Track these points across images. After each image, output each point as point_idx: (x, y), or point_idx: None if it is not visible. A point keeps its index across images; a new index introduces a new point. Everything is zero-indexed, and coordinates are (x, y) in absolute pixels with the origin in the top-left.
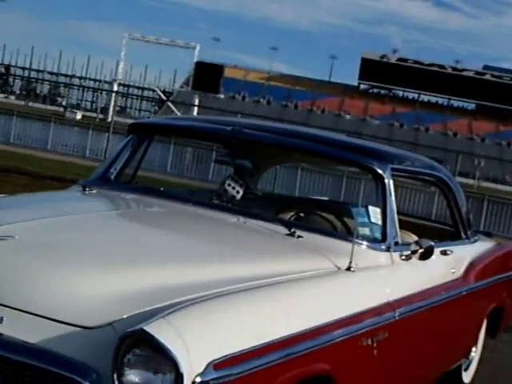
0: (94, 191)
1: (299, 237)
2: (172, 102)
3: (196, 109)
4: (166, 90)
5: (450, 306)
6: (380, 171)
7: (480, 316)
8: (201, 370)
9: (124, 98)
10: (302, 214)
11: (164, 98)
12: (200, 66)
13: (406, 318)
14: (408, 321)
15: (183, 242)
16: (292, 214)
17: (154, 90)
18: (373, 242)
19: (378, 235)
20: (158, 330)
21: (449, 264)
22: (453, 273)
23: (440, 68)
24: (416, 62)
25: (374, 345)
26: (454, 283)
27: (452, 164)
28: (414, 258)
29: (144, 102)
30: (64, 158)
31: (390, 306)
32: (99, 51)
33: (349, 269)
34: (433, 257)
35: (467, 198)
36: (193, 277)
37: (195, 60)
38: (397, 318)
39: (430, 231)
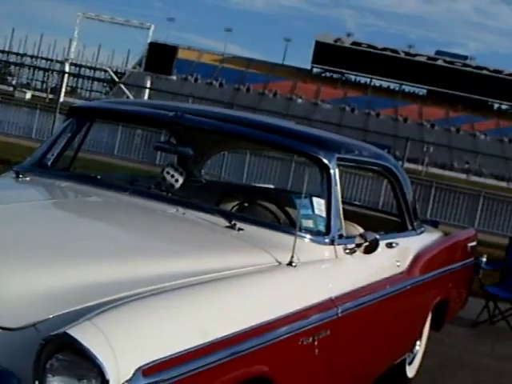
0: (28, 178)
1: (240, 229)
2: (124, 83)
3: (147, 91)
4: (119, 70)
5: (394, 301)
6: (325, 161)
7: (425, 310)
8: (129, 376)
9: (75, 79)
10: (245, 204)
11: (116, 79)
12: (153, 47)
13: (349, 314)
14: (351, 317)
15: (116, 235)
16: (234, 203)
17: (105, 71)
18: (316, 235)
19: (322, 228)
20: (83, 333)
21: (394, 257)
22: (398, 266)
23: (393, 52)
24: (369, 46)
25: (316, 343)
26: (398, 277)
27: (401, 150)
28: (359, 252)
29: (96, 82)
30: (11, 140)
31: (333, 302)
32: (53, 30)
33: (290, 264)
34: (378, 250)
35: (415, 184)
36: (126, 273)
37: (149, 41)
38: (339, 315)
39: (376, 222)
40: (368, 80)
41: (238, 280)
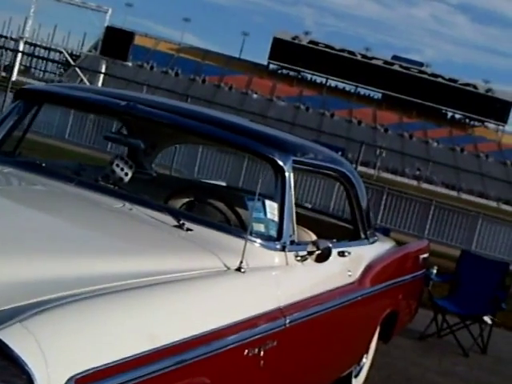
0: None
1: (188, 229)
2: (79, 67)
3: (102, 75)
4: (74, 52)
5: (343, 312)
6: (281, 163)
7: (374, 322)
8: None
9: (30, 58)
10: (195, 203)
11: (71, 61)
12: (110, 31)
13: (297, 324)
14: (299, 328)
15: (56, 228)
16: (185, 201)
17: (61, 52)
18: (267, 240)
19: (274, 233)
20: (12, 336)
21: (346, 266)
22: (349, 276)
23: (350, 54)
24: (327, 46)
25: (262, 354)
26: (349, 287)
27: (355, 153)
28: (310, 260)
29: (50, 63)
30: None
31: (281, 311)
32: (8, 6)
33: (239, 269)
34: (331, 259)
35: (367, 189)
36: (64, 271)
37: (106, 25)
38: (287, 325)
39: (329, 228)
40: (324, 80)
41: (184, 284)
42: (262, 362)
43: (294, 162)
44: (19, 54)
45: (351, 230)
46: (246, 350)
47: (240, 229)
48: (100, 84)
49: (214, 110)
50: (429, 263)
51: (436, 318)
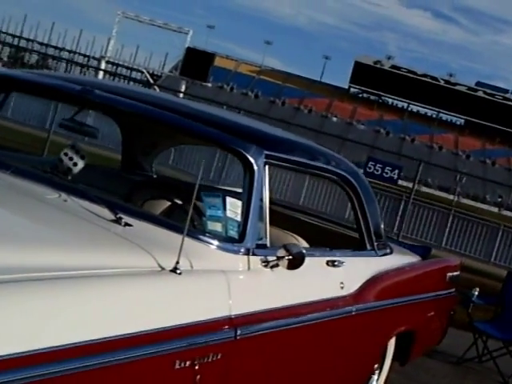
0: None
1: (127, 225)
2: (159, 86)
3: (181, 96)
4: (155, 73)
5: (329, 327)
6: (249, 157)
7: (378, 341)
8: None
9: (112, 77)
10: (153, 199)
11: (151, 80)
12: (190, 52)
13: (254, 338)
14: (257, 342)
15: None
16: (145, 198)
17: (142, 72)
18: (224, 241)
19: (234, 234)
20: None
21: (337, 277)
22: (342, 288)
23: (433, 80)
24: (409, 71)
25: (197, 368)
26: (339, 301)
27: (436, 177)
28: (282, 267)
29: (131, 82)
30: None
31: (231, 321)
32: (92, 27)
33: (174, 270)
34: (315, 267)
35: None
36: None
37: (187, 46)
38: (238, 337)
39: (328, 236)
40: (405, 105)
41: (93, 281)
42: (198, 376)
43: (268, 156)
44: (100, 73)
45: (357, 241)
46: (174, 361)
47: (189, 227)
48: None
49: (181, 99)
50: (472, 284)
51: (476, 342)
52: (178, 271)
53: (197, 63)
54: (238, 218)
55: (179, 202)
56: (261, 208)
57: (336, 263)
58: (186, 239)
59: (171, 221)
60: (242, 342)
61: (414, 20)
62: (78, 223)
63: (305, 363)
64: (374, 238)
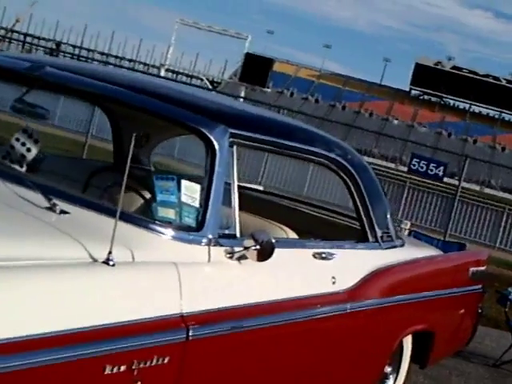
0: None
1: (63, 212)
2: (217, 92)
3: (241, 101)
4: (215, 79)
5: (315, 327)
6: (209, 135)
7: (386, 341)
8: None
9: None
10: (108, 186)
11: (210, 87)
12: (249, 58)
13: (213, 339)
14: (216, 344)
15: None
16: (104, 185)
17: (201, 79)
18: (177, 229)
19: (191, 222)
20: None
21: (327, 271)
22: (333, 283)
23: (495, 80)
24: (470, 72)
25: (135, 373)
26: (331, 297)
27: (500, 179)
28: (251, 259)
29: None
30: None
31: (183, 319)
32: (151, 35)
33: (107, 261)
34: (297, 260)
35: (501, 211)
36: None
37: (245, 51)
38: (190, 338)
39: (327, 228)
40: (467, 106)
41: (5, 274)
42: (139, 382)
43: (235, 135)
44: None
45: (359, 232)
46: (106, 366)
47: (135, 214)
48: None
49: (144, 76)
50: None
51: None
52: (111, 262)
53: (256, 69)
54: (196, 204)
55: (140, 190)
56: (228, 193)
57: (324, 255)
58: (131, 227)
59: (113, 207)
60: (196, 344)
61: (474, 20)
62: (7, 212)
63: (283, 369)
64: (377, 229)
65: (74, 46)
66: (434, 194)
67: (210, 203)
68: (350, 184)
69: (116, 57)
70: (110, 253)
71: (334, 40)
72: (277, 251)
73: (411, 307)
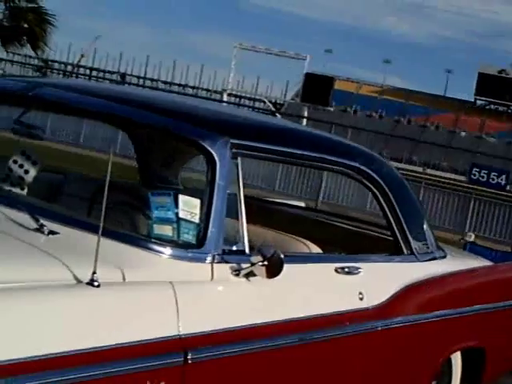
0: None
1: (52, 233)
2: (280, 113)
3: (305, 121)
4: (278, 101)
5: (341, 347)
6: (207, 146)
7: (427, 361)
8: None
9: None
10: (110, 205)
11: (272, 108)
12: (310, 78)
13: (215, 362)
14: (219, 367)
15: None
16: (96, 204)
17: (264, 102)
18: (175, 247)
19: (190, 238)
20: None
21: (352, 287)
22: (360, 299)
23: None
24: None
25: None
26: (359, 314)
27: None
28: (261, 276)
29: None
30: None
31: (180, 341)
32: (212, 61)
33: (91, 282)
34: (317, 276)
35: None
36: None
37: (305, 71)
38: (190, 362)
39: (359, 241)
40: None
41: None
42: None
43: (237, 146)
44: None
45: (392, 244)
46: None
47: (128, 233)
48: None
49: (147, 91)
50: None
51: None
52: (96, 283)
53: (317, 88)
54: (196, 220)
55: (136, 206)
56: (234, 207)
57: (348, 270)
58: (125, 246)
59: (108, 226)
60: (195, 367)
61: None
62: None
63: None
64: (411, 241)
65: (139, 77)
66: (496, 203)
67: (212, 218)
68: (378, 193)
69: (179, 85)
70: (93, 273)
71: (393, 55)
72: (294, 267)
73: (454, 323)
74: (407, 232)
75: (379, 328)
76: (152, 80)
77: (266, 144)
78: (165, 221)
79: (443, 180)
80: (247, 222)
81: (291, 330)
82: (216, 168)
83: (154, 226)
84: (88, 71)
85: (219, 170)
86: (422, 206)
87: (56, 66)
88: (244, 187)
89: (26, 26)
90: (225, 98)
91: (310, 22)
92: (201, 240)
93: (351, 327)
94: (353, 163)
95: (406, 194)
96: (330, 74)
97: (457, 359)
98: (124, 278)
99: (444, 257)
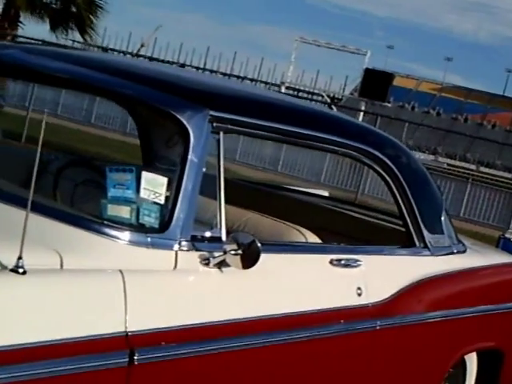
0: None
1: None
2: (337, 106)
3: (361, 116)
4: (336, 96)
5: (325, 346)
6: (179, 117)
7: (435, 364)
8: None
9: None
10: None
11: (329, 101)
12: (369, 73)
13: (169, 363)
14: (175, 369)
15: None
16: (74, 179)
17: (322, 96)
18: (132, 230)
19: (152, 221)
20: None
21: (349, 281)
22: (359, 295)
23: None
24: None
25: None
26: (353, 311)
27: None
28: (236, 266)
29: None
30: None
31: (126, 339)
32: (272, 54)
33: (16, 269)
34: (308, 267)
35: None
36: None
37: (365, 67)
38: (136, 363)
39: (362, 230)
40: None
41: None
42: None
43: (220, 120)
44: None
45: (404, 235)
46: None
47: (80, 213)
48: None
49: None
50: None
51: None
52: (21, 270)
53: (376, 84)
54: (160, 201)
55: (94, 184)
56: (212, 188)
57: (344, 262)
58: (67, 227)
59: (53, 205)
60: (143, 369)
61: None
62: None
63: None
64: (425, 233)
65: (198, 68)
66: None
67: (180, 199)
68: (389, 180)
69: (238, 77)
70: (19, 258)
71: (455, 53)
72: (281, 257)
73: (468, 322)
74: (421, 223)
75: (377, 327)
76: (211, 71)
77: (255, 119)
78: (122, 200)
79: (494, 178)
80: (247, 209)
81: (268, 328)
82: (189, 142)
83: (109, 206)
84: (147, 61)
85: (193, 145)
86: (442, 197)
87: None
88: (246, 167)
89: (74, 9)
90: (283, 90)
91: (373, 17)
92: (165, 224)
93: (346, 325)
94: (362, 146)
95: (423, 184)
96: (391, 70)
97: (472, 360)
98: (62, 265)
99: (463, 251)
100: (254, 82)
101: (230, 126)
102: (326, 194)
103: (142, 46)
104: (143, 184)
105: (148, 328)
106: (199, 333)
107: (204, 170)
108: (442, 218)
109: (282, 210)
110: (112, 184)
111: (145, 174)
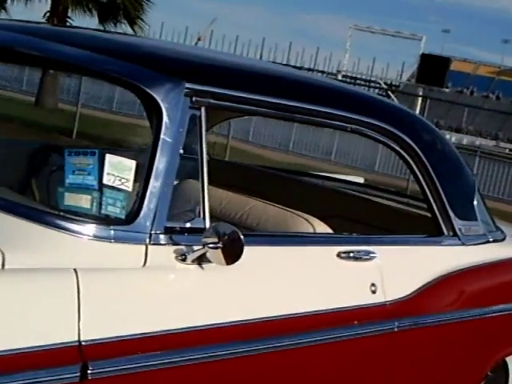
0: None
1: None
2: (393, 91)
3: (419, 102)
4: (393, 83)
5: (333, 353)
6: (151, 91)
7: (465, 366)
8: None
9: None
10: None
11: (385, 87)
12: (425, 59)
13: (129, 377)
14: (133, 381)
15: None
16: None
17: (379, 83)
18: (92, 222)
19: (116, 212)
20: None
21: (360, 276)
22: (373, 292)
23: None
24: None
25: None
26: (367, 310)
27: None
28: (218, 262)
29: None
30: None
31: (79, 349)
32: (327, 43)
33: None
34: (312, 261)
35: None
36: None
37: (421, 52)
38: (90, 377)
39: (392, 219)
40: None
41: None
42: None
43: (198, 93)
44: None
45: (432, 224)
46: None
47: (30, 204)
48: (417, 111)
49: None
50: None
51: None
52: None
53: (433, 69)
54: (127, 187)
55: (52, 170)
56: (193, 173)
57: (354, 255)
58: (13, 220)
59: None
60: (108, 380)
61: None
62: None
63: None
64: (454, 219)
65: None
66: None
67: (150, 186)
68: (408, 157)
69: (294, 67)
70: None
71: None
72: (277, 249)
73: (505, 320)
74: (448, 208)
75: (395, 329)
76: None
77: (242, 92)
78: (81, 188)
79: None
80: (261, 197)
81: (261, 335)
82: (162, 119)
83: (66, 194)
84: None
85: (166, 122)
86: (474, 179)
87: None
88: (252, 146)
89: (120, 1)
90: (339, 78)
91: (426, 1)
92: (133, 214)
93: (354, 328)
94: (373, 121)
95: (450, 164)
96: (447, 54)
97: None
98: (3, 264)
99: (502, 239)
100: (310, 72)
101: (212, 101)
102: (361, 180)
103: (199, 39)
104: (107, 169)
105: (104, 337)
106: (169, 341)
107: (181, 151)
108: (475, 203)
109: (298, 196)
110: (70, 169)
111: (109, 157)
